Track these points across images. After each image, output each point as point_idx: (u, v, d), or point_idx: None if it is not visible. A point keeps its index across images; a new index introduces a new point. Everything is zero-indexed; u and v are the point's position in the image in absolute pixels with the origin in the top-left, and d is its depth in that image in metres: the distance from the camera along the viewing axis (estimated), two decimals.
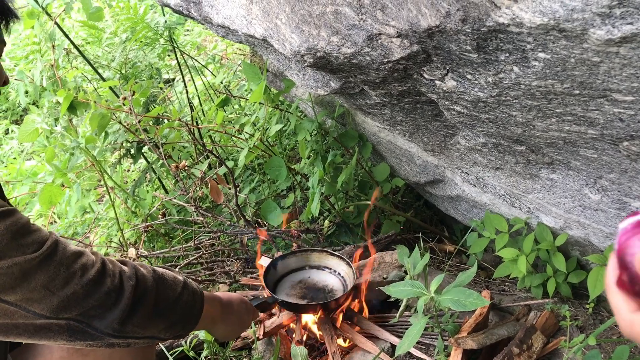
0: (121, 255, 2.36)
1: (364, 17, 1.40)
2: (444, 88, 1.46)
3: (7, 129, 4.96)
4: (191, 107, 2.93)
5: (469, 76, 1.36)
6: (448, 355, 1.73)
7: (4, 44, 1.18)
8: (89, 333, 1.07)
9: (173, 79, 4.38)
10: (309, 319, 1.94)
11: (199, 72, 3.28)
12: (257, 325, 1.92)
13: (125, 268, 1.14)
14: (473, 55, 1.25)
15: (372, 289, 2.07)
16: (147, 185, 3.08)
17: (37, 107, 3.14)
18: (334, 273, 2.05)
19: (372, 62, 1.45)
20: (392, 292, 1.74)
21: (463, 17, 1.15)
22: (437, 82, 1.46)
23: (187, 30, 4.29)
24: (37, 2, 2.31)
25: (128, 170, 3.84)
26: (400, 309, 1.94)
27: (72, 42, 2.52)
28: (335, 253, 2.06)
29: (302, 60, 1.60)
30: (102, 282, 1.07)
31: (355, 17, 1.41)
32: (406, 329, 2.00)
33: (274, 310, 2.01)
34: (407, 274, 2.04)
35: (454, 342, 1.65)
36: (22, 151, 4.06)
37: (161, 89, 3.31)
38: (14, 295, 0.99)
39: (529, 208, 2.02)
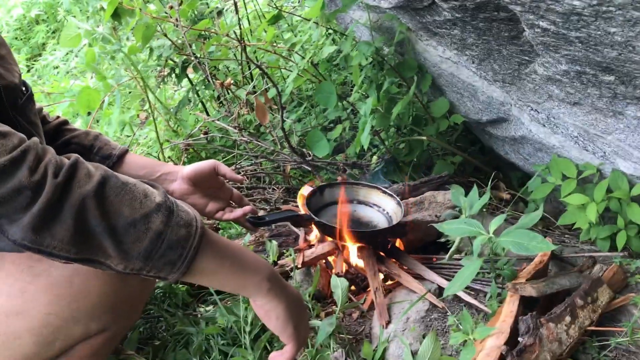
0: None
1: None
2: None
3: (55, 48, 4.90)
4: (240, 23, 2.76)
5: None
6: (501, 302, 1.59)
7: None
8: (3, 239, 0.86)
9: (221, 10, 4.21)
10: (351, 252, 1.82)
11: None
12: (296, 254, 1.81)
13: (58, 161, 0.88)
14: None
15: (421, 228, 1.93)
16: (190, 109, 2.97)
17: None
18: (381, 211, 1.91)
19: None
20: (447, 230, 1.59)
21: None
22: None
23: None
24: None
25: (175, 91, 3.72)
26: (451, 249, 1.80)
27: None
28: (385, 190, 1.92)
29: None
30: (12, 173, 0.84)
31: None
32: (455, 272, 1.86)
33: (313, 241, 1.90)
34: (461, 214, 1.89)
35: (512, 287, 1.50)
36: (67, 72, 4.00)
37: (207, 4, 3.14)
38: None
39: (604, 152, 1.81)
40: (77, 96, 2.00)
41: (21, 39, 5.17)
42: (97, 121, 2.27)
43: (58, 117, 1.47)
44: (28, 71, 4.93)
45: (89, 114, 2.11)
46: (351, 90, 2.87)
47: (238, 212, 1.51)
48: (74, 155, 0.92)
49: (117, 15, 2.20)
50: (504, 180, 2.68)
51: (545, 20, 1.34)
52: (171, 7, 2.12)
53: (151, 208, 0.91)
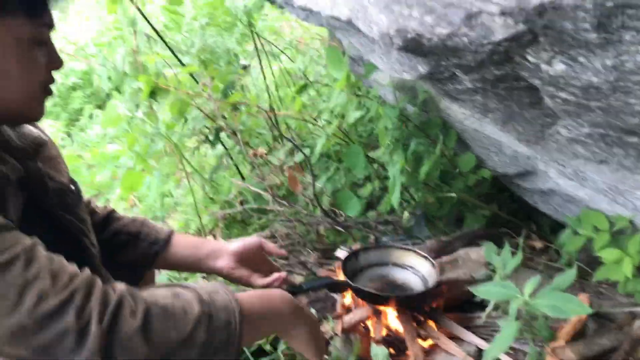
0: None
1: None
2: (550, 72, 1.32)
3: (91, 113, 5.14)
4: (269, 93, 2.88)
5: (581, 59, 1.22)
6: None
7: (53, 26, 1.15)
8: None
9: (249, 65, 4.38)
10: (389, 316, 1.85)
11: (276, 58, 3.23)
12: (335, 321, 1.85)
13: (104, 300, 0.91)
14: (591, 35, 1.10)
15: (456, 287, 1.95)
16: (224, 171, 3.08)
17: (120, 92, 3.21)
18: (417, 273, 1.95)
19: (470, 44, 1.32)
20: (482, 294, 1.61)
21: None
22: (542, 65, 1.32)
23: (265, 15, 4.26)
24: None
25: (205, 156, 3.88)
26: (487, 310, 1.81)
27: (153, 28, 2.54)
28: (420, 252, 1.96)
29: (390, 43, 1.49)
30: (59, 317, 0.86)
31: None
32: (493, 331, 1.88)
33: (351, 306, 1.94)
34: (495, 272, 1.91)
35: (551, 352, 1.51)
36: (104, 135, 4.19)
37: (239, 74, 3.29)
38: None
39: (635, 205, 1.83)
40: (121, 180, 2.12)
41: (60, 106, 5.45)
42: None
43: (105, 207, 1.56)
44: (68, 136, 5.16)
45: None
46: (378, 144, 2.93)
47: (275, 276, 1.57)
48: (119, 291, 0.96)
49: (153, 94, 2.33)
50: (536, 225, 2.69)
51: (565, 92, 1.39)
52: (204, 85, 2.24)
53: (194, 322, 0.98)
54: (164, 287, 1.06)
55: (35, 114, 1.18)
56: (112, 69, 2.50)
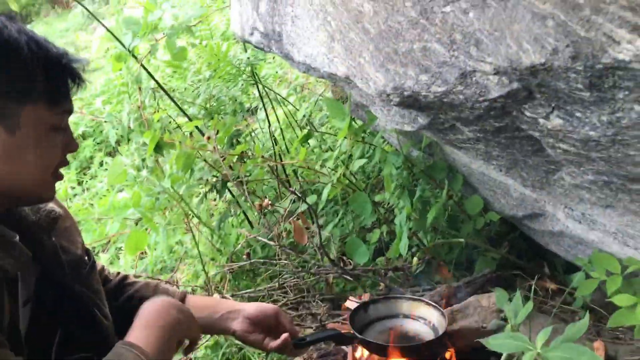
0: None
1: (455, 53, 1.28)
2: (549, 126, 1.31)
3: (102, 161, 5.20)
4: (274, 141, 2.91)
5: (578, 114, 1.22)
6: None
7: (72, 112, 1.17)
8: None
9: (256, 108, 4.43)
10: None
11: (281, 104, 3.27)
12: None
13: None
14: (584, 93, 1.10)
15: (467, 336, 1.92)
16: (232, 218, 3.08)
17: (128, 141, 3.25)
18: (427, 324, 1.92)
19: (466, 101, 1.33)
20: (493, 346, 1.58)
21: (573, 54, 1.01)
22: (540, 120, 1.32)
23: (269, 62, 4.32)
24: (124, 46, 2.38)
25: (214, 200, 3.89)
26: None
27: (158, 83, 2.58)
28: (430, 302, 1.93)
29: (388, 100, 1.50)
30: None
31: (446, 53, 1.30)
32: None
33: (362, 358, 1.90)
34: (506, 320, 1.88)
35: None
36: (113, 186, 4.23)
37: (246, 125, 3.33)
38: None
39: None
40: (126, 241, 2.14)
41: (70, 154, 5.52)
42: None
43: (119, 272, 1.57)
44: (79, 184, 5.21)
45: None
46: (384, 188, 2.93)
47: (284, 336, 1.55)
48: None
49: (159, 148, 2.36)
50: (549, 265, 2.65)
51: (565, 144, 1.39)
52: (209, 138, 2.26)
53: None
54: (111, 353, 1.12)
55: (47, 197, 1.19)
56: (117, 125, 2.55)
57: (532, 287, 2.27)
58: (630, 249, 1.86)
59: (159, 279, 2.59)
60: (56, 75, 1.10)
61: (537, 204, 2.12)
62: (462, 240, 2.16)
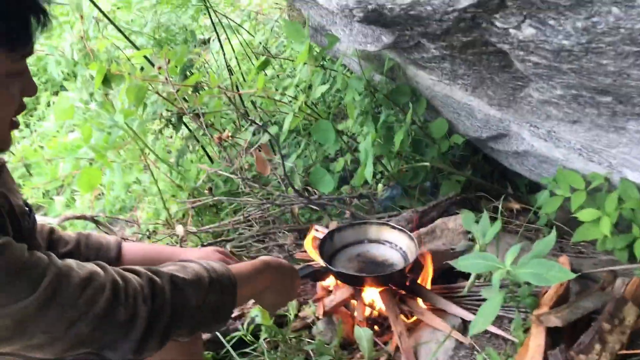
0: (170, 234, 2.28)
1: None
2: (520, 37, 1.25)
3: (49, 101, 4.93)
4: (230, 71, 2.77)
5: (551, 22, 1.15)
6: (526, 330, 1.58)
7: (32, 53, 1.03)
8: None
9: (208, 39, 4.22)
10: (370, 295, 1.82)
11: (235, 31, 3.09)
12: (316, 304, 1.81)
13: (138, 286, 1.00)
14: None
15: (435, 259, 1.92)
16: (191, 154, 2.97)
17: (75, 76, 3.05)
18: (394, 247, 1.90)
19: (434, 13, 1.25)
20: (463, 267, 1.58)
21: None
22: (511, 30, 1.25)
23: None
24: None
25: (171, 137, 3.74)
26: (470, 280, 1.79)
27: (100, 10, 2.38)
28: (396, 226, 1.91)
29: (351, 15, 1.41)
30: (113, 314, 0.95)
31: None
32: (476, 300, 1.86)
33: (331, 288, 1.89)
34: (474, 241, 1.88)
35: (535, 319, 1.49)
36: (62, 126, 4.02)
37: (198, 54, 3.15)
38: (10, 346, 0.89)
39: (610, 163, 1.80)
40: (77, 178, 2.01)
41: None
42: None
43: (43, 225, 1.43)
44: (27, 127, 4.95)
45: None
46: (347, 114, 2.87)
47: None
48: (145, 276, 1.02)
49: (107, 81, 2.20)
50: (512, 185, 2.67)
51: (536, 56, 1.33)
52: (160, 68, 2.12)
53: (207, 288, 1.08)
54: (171, 264, 1.12)
55: (3, 147, 1.07)
56: (61, 58, 2.36)
57: (499, 208, 2.30)
58: (594, 164, 1.87)
59: (117, 218, 2.50)
60: (17, 15, 0.94)
61: (501, 124, 2.09)
62: (427, 164, 2.13)
